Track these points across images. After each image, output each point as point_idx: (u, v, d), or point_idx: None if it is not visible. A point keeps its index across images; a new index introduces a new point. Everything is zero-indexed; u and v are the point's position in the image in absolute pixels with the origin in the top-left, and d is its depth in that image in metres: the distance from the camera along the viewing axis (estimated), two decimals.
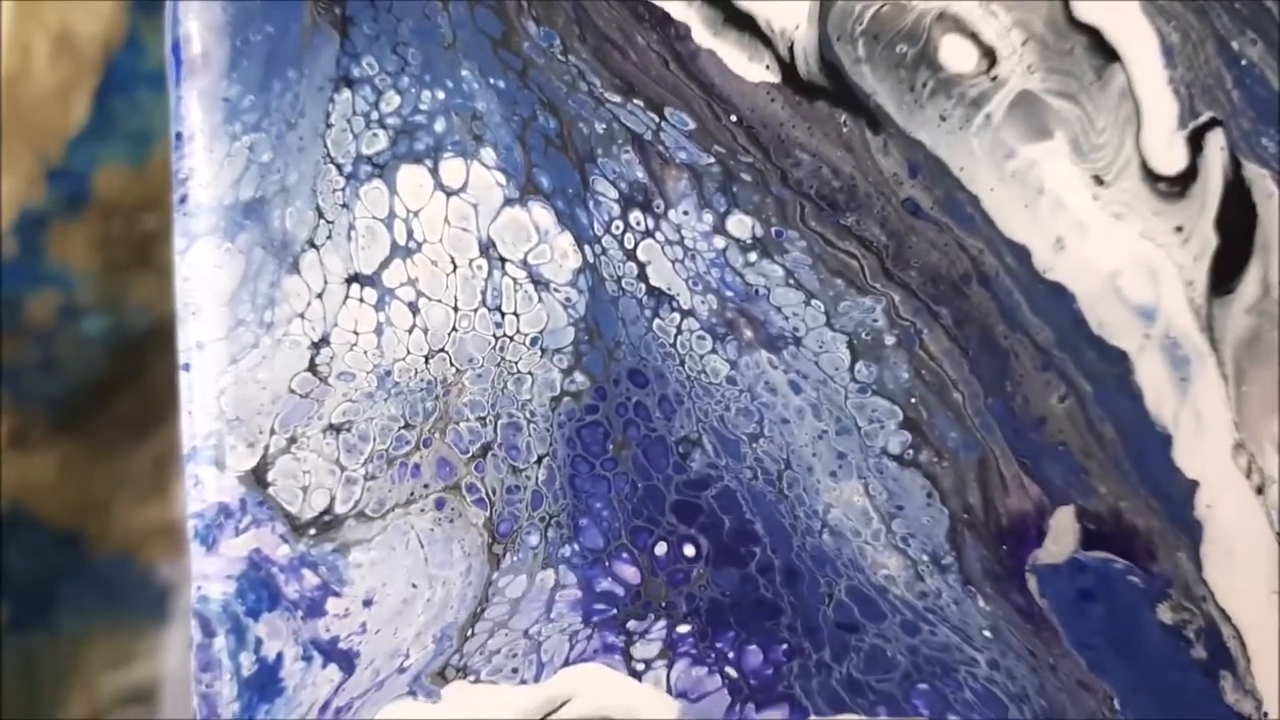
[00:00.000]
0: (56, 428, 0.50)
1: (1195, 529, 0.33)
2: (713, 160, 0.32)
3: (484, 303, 0.32)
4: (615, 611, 0.32)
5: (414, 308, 0.32)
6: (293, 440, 0.32)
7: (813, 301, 0.33)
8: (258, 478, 0.32)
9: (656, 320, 0.33)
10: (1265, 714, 0.33)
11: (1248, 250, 0.33)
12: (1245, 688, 0.33)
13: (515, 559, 0.32)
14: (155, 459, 0.53)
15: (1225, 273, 0.33)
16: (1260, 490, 0.33)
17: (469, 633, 0.32)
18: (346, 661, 0.32)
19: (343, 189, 0.32)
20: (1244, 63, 0.33)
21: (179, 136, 0.32)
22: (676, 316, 0.33)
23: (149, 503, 0.54)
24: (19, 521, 0.50)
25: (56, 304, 0.49)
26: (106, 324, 0.50)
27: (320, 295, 0.32)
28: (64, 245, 0.49)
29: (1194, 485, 0.33)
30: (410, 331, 0.32)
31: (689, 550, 0.32)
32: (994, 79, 0.32)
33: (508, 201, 0.32)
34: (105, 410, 0.51)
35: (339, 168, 0.32)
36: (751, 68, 0.32)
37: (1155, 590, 0.33)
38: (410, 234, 0.32)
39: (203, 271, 0.32)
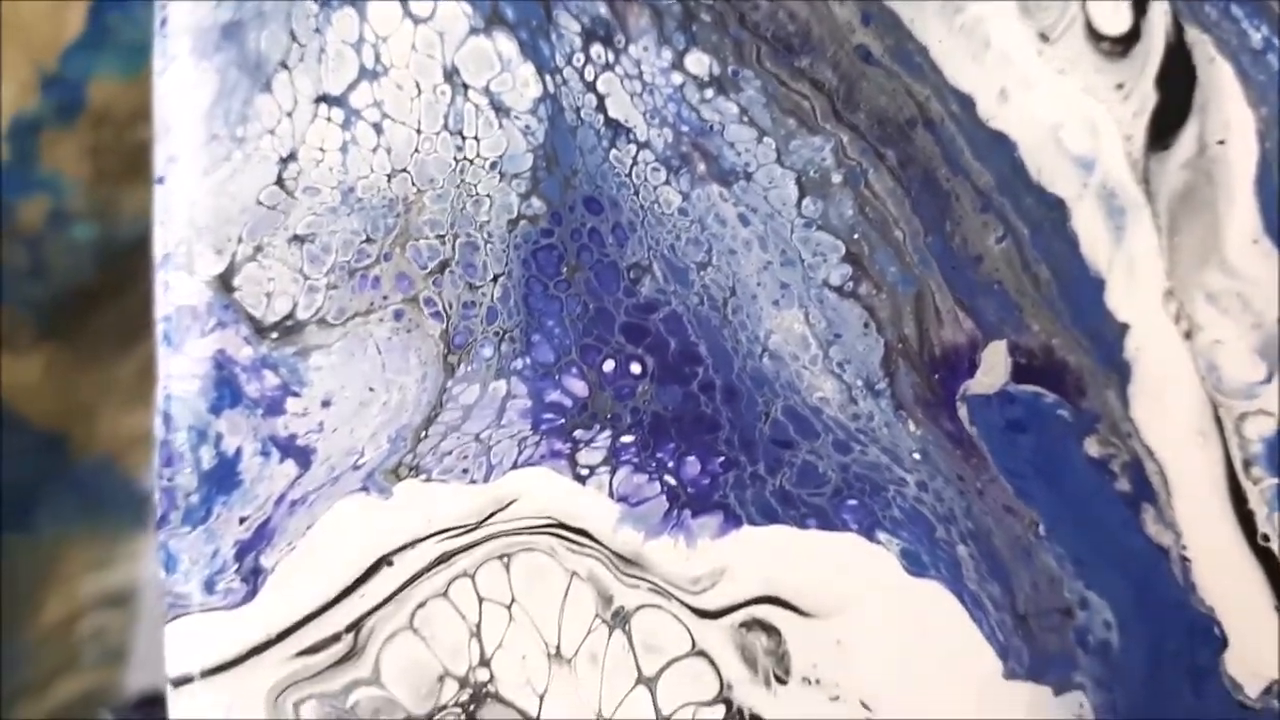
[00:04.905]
0: (43, 332, 0.51)
1: (1124, 369, 0.34)
2: None
3: (446, 126, 0.34)
4: (563, 421, 0.33)
5: (378, 128, 0.34)
6: (259, 249, 0.33)
7: (764, 139, 0.34)
8: (224, 283, 0.33)
9: (613, 151, 0.34)
10: (1184, 546, 0.34)
11: (1186, 109, 0.34)
12: (1165, 520, 0.34)
13: (469, 369, 0.34)
14: (140, 368, 0.54)
15: (1163, 129, 0.34)
16: (1188, 335, 0.34)
17: (422, 435, 0.33)
18: (303, 457, 0.33)
19: (316, 14, 0.34)
20: None
21: None
22: (633, 148, 0.34)
23: (133, 410, 0.54)
24: (5, 420, 0.50)
25: (47, 209, 0.49)
26: (96, 232, 0.50)
27: (290, 114, 0.34)
28: (56, 152, 0.49)
29: (1124, 328, 0.34)
30: (374, 151, 0.34)
31: (635, 368, 0.34)
32: None
33: (473, 31, 0.34)
34: (92, 318, 0.52)
35: None
36: None
37: (1083, 424, 0.34)
38: (378, 58, 0.34)
39: (180, 89, 0.34)
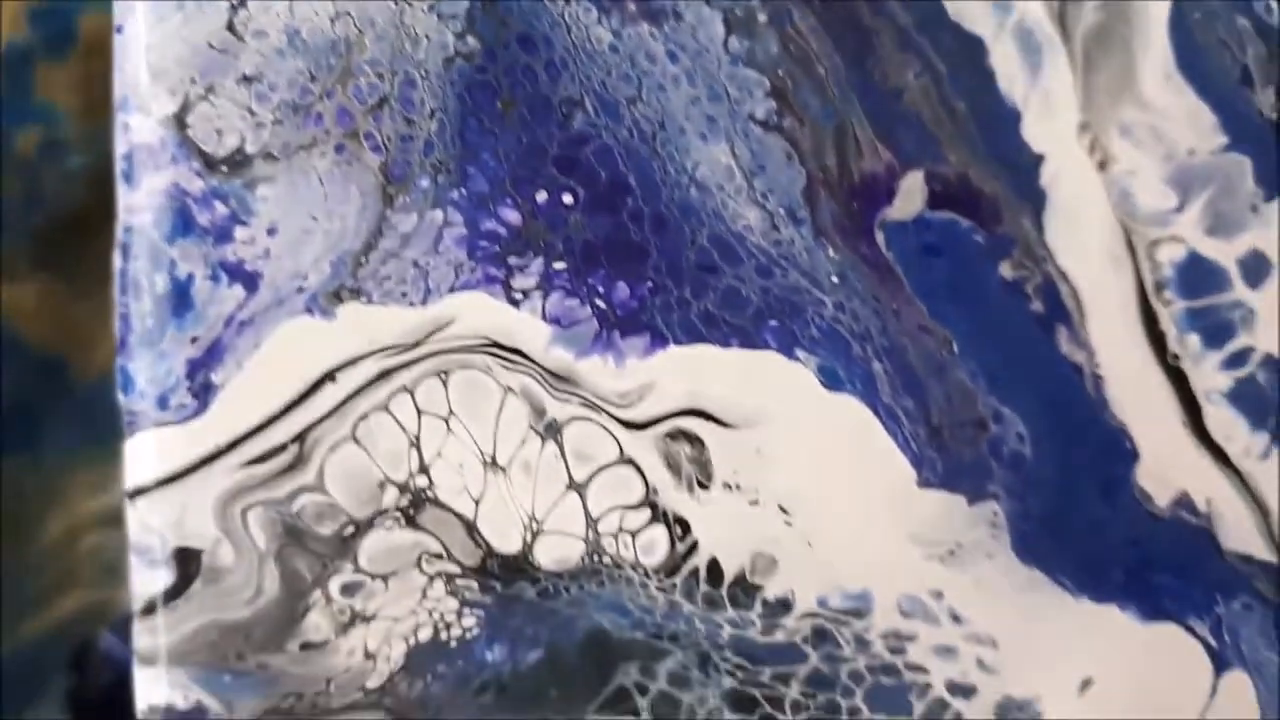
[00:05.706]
0: (39, 260, 0.52)
1: (1039, 197, 0.35)
2: None
3: None
4: (497, 248, 0.35)
5: None
6: (210, 89, 0.35)
7: None
8: (179, 121, 0.35)
9: None
10: (1097, 364, 0.35)
11: None
12: (1079, 340, 0.35)
13: (407, 199, 0.35)
14: None
15: None
16: (1103, 166, 0.35)
17: (362, 260, 0.35)
18: (250, 281, 0.35)
19: None
20: None
21: None
22: None
23: None
24: (5, 345, 0.52)
25: (40, 139, 0.51)
26: (88, 162, 0.51)
27: None
28: (49, 84, 0.50)
29: (1040, 158, 0.35)
30: None
31: (567, 198, 0.35)
32: None
33: None
34: (87, 245, 0.53)
35: None
36: None
37: (998, 248, 0.35)
38: None
39: None
